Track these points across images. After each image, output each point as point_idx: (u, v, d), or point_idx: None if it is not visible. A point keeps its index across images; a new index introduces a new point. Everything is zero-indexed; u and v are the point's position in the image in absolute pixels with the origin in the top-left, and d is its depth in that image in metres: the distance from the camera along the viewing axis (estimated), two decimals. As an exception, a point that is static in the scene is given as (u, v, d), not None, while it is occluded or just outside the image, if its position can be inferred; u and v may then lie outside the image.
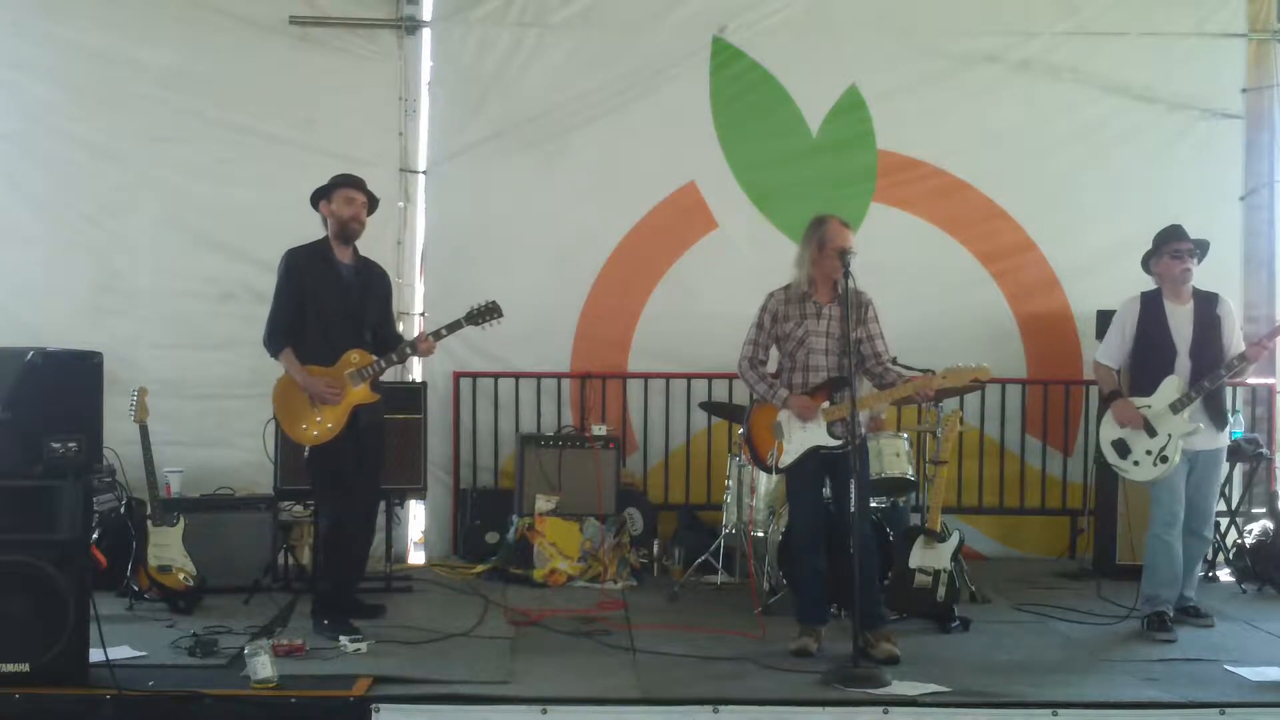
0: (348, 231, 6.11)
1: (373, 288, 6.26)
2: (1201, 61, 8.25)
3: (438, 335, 6.19)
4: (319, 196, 6.17)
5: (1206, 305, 6.36)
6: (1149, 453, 6.25)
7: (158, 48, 7.93)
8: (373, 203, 6.25)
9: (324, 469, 6.10)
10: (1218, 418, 6.31)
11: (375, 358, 6.06)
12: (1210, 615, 6.44)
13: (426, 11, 8.16)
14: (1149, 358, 6.38)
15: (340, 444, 6.03)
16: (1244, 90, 8.28)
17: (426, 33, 8.16)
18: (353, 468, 6.10)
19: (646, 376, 8.19)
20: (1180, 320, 6.33)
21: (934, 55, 8.22)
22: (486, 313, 6.20)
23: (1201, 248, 6.40)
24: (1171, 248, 6.36)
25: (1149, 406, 6.27)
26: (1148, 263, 6.51)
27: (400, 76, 8.11)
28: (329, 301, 6.05)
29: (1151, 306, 6.42)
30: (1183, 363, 6.28)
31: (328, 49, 8.02)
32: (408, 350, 6.18)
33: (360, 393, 6.03)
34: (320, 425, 5.99)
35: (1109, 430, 6.42)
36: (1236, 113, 8.27)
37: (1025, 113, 8.25)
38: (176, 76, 7.92)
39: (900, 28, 8.21)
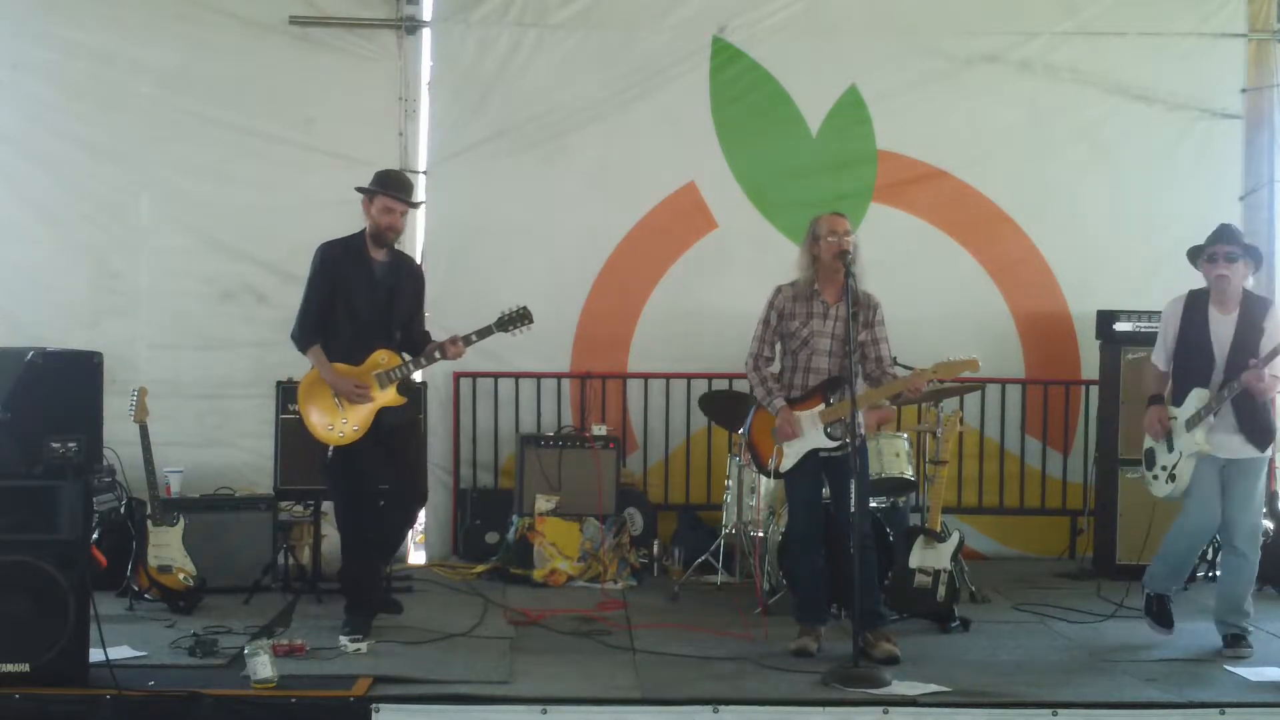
0: (384, 239, 6.04)
1: (404, 285, 6.13)
2: (1201, 61, 8.24)
3: (467, 340, 6.05)
4: (363, 192, 6.09)
5: (1253, 314, 5.93)
6: (1164, 468, 6.03)
7: (158, 47, 7.92)
8: (414, 207, 6.17)
9: (343, 471, 6.04)
10: (1254, 431, 5.86)
11: (402, 360, 5.98)
12: (1250, 648, 5.91)
13: (426, 11, 8.15)
14: (1186, 364, 6.04)
15: (363, 446, 5.95)
16: (1244, 90, 8.28)
17: (426, 33, 8.16)
18: (374, 471, 6.03)
19: (646, 376, 8.19)
20: (1222, 328, 5.94)
21: (934, 55, 8.21)
22: (518, 319, 6.10)
23: (1252, 255, 6.01)
24: (1209, 250, 5.97)
25: (1174, 419, 6.00)
26: (1196, 259, 6.09)
27: (400, 76, 8.11)
28: (360, 298, 5.97)
29: (1195, 308, 6.04)
30: (1217, 375, 5.90)
31: (328, 49, 8.01)
32: (436, 354, 6.06)
33: (387, 395, 5.95)
34: (345, 427, 5.92)
35: (1147, 438, 6.19)
36: (1236, 113, 8.26)
37: (1025, 113, 8.25)
38: (176, 76, 7.92)
39: (900, 28, 8.20)
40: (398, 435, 6.10)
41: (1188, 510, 6.02)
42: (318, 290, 6.01)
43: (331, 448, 6.02)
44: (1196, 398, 5.92)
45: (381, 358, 5.97)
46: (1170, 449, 6.01)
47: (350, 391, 5.90)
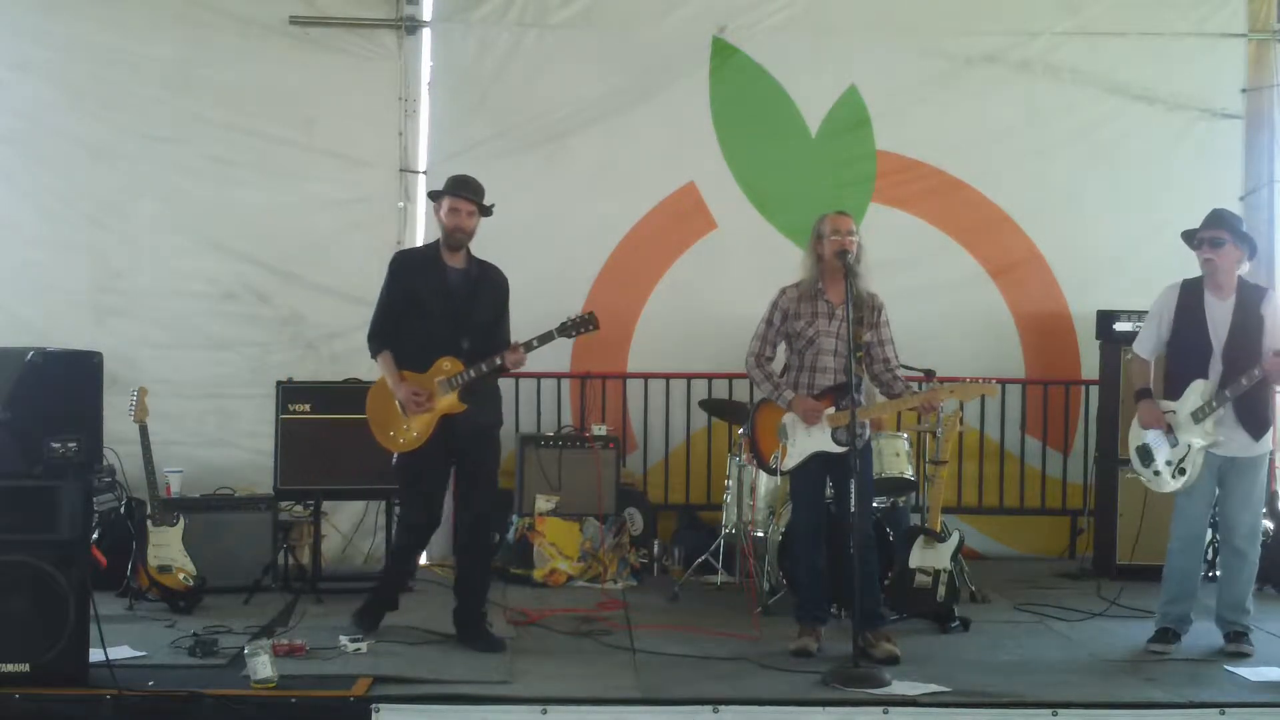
0: (451, 240, 5.93)
1: (481, 293, 5.96)
2: (1201, 61, 8.25)
3: (528, 346, 5.87)
4: (434, 197, 6.03)
5: (1250, 301, 5.86)
6: (1168, 463, 5.89)
7: (158, 47, 7.91)
8: (483, 210, 5.97)
9: (405, 476, 6.01)
10: (1253, 423, 5.82)
11: (465, 366, 5.84)
12: (1251, 645, 5.89)
13: (426, 12, 8.15)
14: (1182, 355, 5.94)
15: (428, 452, 5.87)
16: (1244, 90, 8.28)
17: (426, 33, 8.16)
18: (435, 480, 5.97)
19: (646, 376, 8.19)
20: (1219, 315, 5.85)
21: (934, 55, 8.22)
22: (582, 324, 5.90)
23: (1244, 241, 5.90)
24: (1197, 235, 5.90)
25: (1174, 412, 5.88)
26: (1189, 242, 6.02)
27: (400, 76, 8.10)
28: (431, 306, 5.88)
29: (1190, 296, 5.94)
30: (1215, 364, 5.82)
31: (328, 49, 8.00)
32: (497, 361, 5.83)
33: (447, 401, 5.82)
34: (406, 434, 5.86)
35: (1135, 434, 6.05)
36: (1236, 113, 8.27)
37: (1025, 113, 8.26)
38: (176, 76, 7.91)
39: (900, 28, 8.21)
40: (470, 446, 5.94)
41: (1184, 516, 5.97)
42: (388, 297, 5.97)
43: (395, 454, 5.97)
44: (1200, 390, 5.84)
45: (445, 364, 5.84)
46: (1174, 443, 5.90)
47: (408, 398, 5.81)
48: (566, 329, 5.92)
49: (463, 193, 5.94)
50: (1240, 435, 5.85)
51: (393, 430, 5.92)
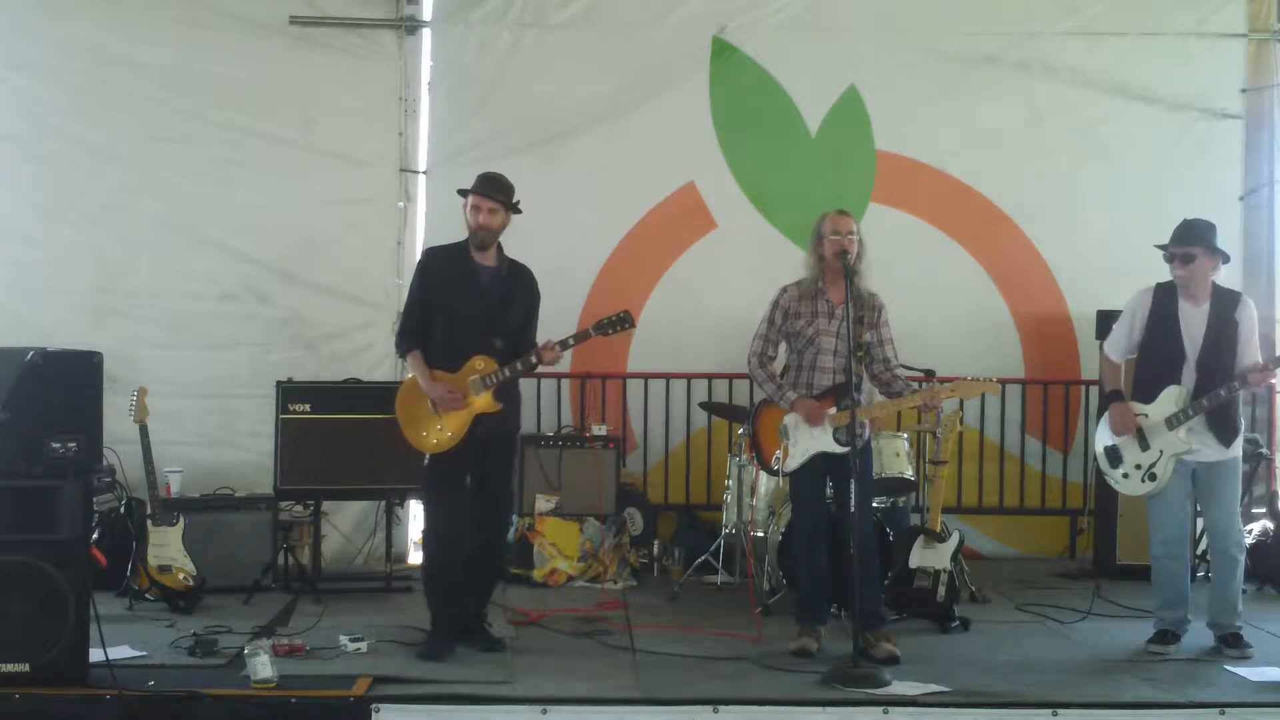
0: (475, 238, 5.85)
1: (513, 294, 5.89)
2: (1201, 61, 8.25)
3: (564, 344, 5.77)
4: (462, 195, 5.93)
5: (1224, 307, 5.87)
6: (1138, 467, 5.89)
7: (158, 48, 7.92)
8: (510, 209, 5.88)
9: (438, 478, 5.87)
10: (1224, 430, 5.83)
11: (499, 365, 5.76)
12: (1251, 646, 5.87)
13: (426, 11, 8.17)
14: (1155, 359, 5.94)
15: (462, 453, 5.78)
16: (1244, 90, 8.29)
17: (426, 33, 8.17)
18: (467, 480, 5.84)
19: (646, 376, 8.19)
20: (1193, 321, 5.85)
21: (934, 55, 8.23)
22: (617, 323, 5.81)
23: (1215, 252, 5.88)
24: (1169, 250, 5.92)
25: (1145, 416, 5.87)
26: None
27: (400, 76, 8.12)
28: (460, 304, 5.80)
29: (1164, 301, 5.94)
30: (1189, 371, 5.82)
31: (328, 49, 8.02)
32: (532, 359, 5.74)
33: (482, 401, 5.74)
34: (440, 434, 5.76)
35: (1103, 434, 6.04)
36: (1236, 113, 8.27)
37: (1025, 113, 8.26)
38: (176, 76, 7.91)
39: (900, 28, 8.22)
40: (491, 450, 5.86)
41: (1159, 521, 5.96)
42: (417, 296, 5.89)
43: (427, 455, 5.87)
44: (1174, 396, 5.83)
45: (479, 364, 5.75)
46: (1145, 447, 5.89)
47: (443, 397, 5.72)
48: (603, 327, 5.83)
49: (483, 190, 5.84)
50: (1211, 441, 5.85)
51: (425, 430, 5.80)
